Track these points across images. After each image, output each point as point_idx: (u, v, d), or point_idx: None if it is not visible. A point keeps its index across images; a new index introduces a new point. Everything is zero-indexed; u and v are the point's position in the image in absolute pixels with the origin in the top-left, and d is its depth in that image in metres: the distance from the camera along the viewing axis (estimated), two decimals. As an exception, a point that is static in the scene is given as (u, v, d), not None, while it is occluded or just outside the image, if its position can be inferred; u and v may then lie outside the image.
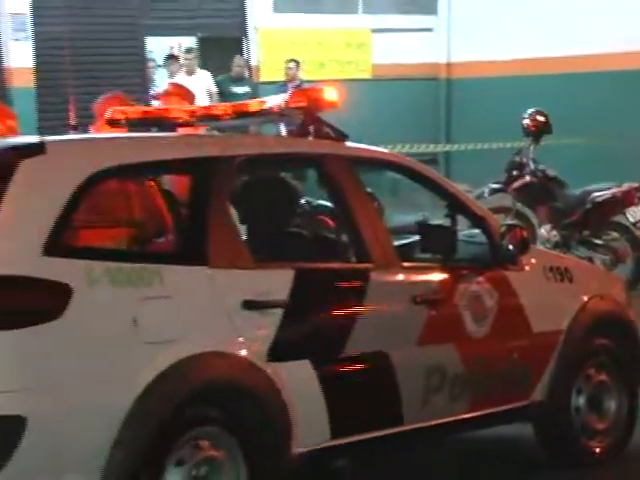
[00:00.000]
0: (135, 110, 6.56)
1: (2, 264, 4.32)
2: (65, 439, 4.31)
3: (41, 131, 13.03)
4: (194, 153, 5.19)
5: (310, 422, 5.01)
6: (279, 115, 5.98)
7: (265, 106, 5.91)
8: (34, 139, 4.85)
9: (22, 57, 15.12)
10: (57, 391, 4.31)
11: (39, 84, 15.06)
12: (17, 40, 15.13)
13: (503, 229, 6.03)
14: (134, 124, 6.25)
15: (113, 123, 6.25)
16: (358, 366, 5.27)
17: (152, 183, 5.74)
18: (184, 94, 7.73)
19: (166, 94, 7.63)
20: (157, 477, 4.53)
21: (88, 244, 4.92)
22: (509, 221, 8.62)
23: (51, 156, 4.64)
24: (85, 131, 7.09)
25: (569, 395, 6.17)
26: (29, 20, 15.18)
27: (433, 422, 5.57)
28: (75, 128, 6.36)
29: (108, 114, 6.37)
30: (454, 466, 6.27)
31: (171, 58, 16.59)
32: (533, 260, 6.15)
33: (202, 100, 15.02)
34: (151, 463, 4.50)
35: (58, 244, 4.45)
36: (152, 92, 7.40)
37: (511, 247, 5.95)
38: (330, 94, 5.71)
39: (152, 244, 5.33)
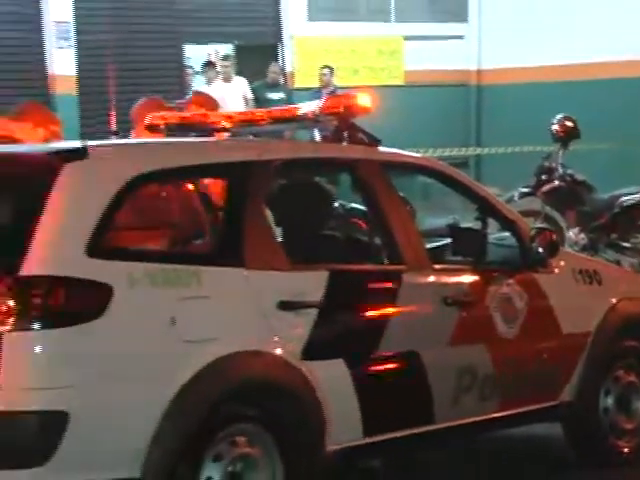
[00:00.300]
0: (174, 116, 6.58)
1: (47, 265, 4.34)
2: (106, 435, 4.33)
3: (83, 136, 13.10)
4: (231, 157, 5.20)
5: (343, 420, 5.01)
6: (314, 121, 5.98)
7: (300, 112, 5.91)
8: (77, 144, 4.87)
9: (65, 65, 15.19)
10: (98, 388, 4.32)
11: (81, 91, 15.13)
12: (61, 48, 15.19)
13: (533, 232, 6.00)
14: (173, 129, 6.28)
15: (152, 128, 6.27)
16: (390, 365, 5.27)
17: (190, 186, 5.75)
18: (206, 102, 7.72)
19: (189, 103, 7.64)
20: (195, 472, 4.54)
21: (129, 246, 4.93)
22: (538, 224, 8.56)
23: (93, 160, 4.66)
24: (126, 136, 7.11)
25: (597, 396, 6.12)
26: (72, 28, 15.24)
27: (463, 421, 5.55)
28: (116, 133, 6.39)
29: (148, 120, 6.39)
30: (485, 465, 6.24)
31: (208, 65, 16.63)
32: (562, 263, 6.12)
33: (238, 106, 15.09)
34: (189, 459, 4.51)
35: (100, 246, 4.47)
36: (176, 102, 7.42)
37: (541, 250, 5.92)
38: (364, 100, 5.70)
39: (190, 246, 5.35)
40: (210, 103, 7.56)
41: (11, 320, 4.25)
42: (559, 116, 11.71)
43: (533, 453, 6.44)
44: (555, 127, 11.63)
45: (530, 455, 6.40)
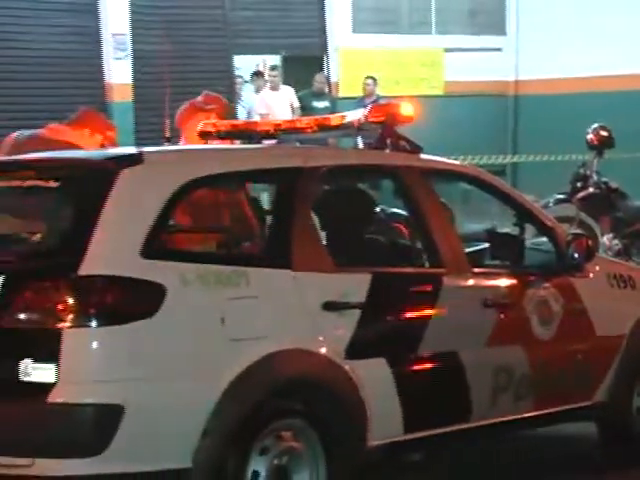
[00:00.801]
0: (224, 123, 6.59)
1: (104, 265, 4.36)
2: (158, 427, 4.34)
3: (138, 142, 13.20)
4: (279, 164, 5.20)
5: (384, 417, 4.99)
6: (358, 129, 5.97)
7: (345, 120, 5.90)
8: (133, 150, 4.89)
9: (122, 74, 15.28)
10: (152, 383, 4.34)
11: (137, 99, 15.22)
12: (118, 59, 15.29)
13: (569, 238, 5.96)
14: (223, 136, 6.29)
15: (204, 135, 6.29)
16: (430, 365, 5.25)
17: (240, 191, 5.76)
18: (214, 101, 7.67)
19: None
20: (242, 465, 4.53)
21: (181, 247, 4.95)
22: (573, 230, 8.52)
23: (148, 166, 4.69)
24: (178, 142, 7.12)
25: (631, 396, 6.07)
26: (129, 40, 15.34)
27: (500, 419, 5.52)
28: (169, 140, 6.40)
29: (200, 127, 6.40)
30: (521, 463, 6.18)
31: (257, 75, 16.71)
32: (597, 267, 6.07)
33: (285, 114, 15.11)
34: (237, 451, 4.50)
35: (154, 247, 4.48)
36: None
37: (577, 255, 5.88)
38: (407, 109, 5.69)
39: (240, 248, 5.35)
40: (219, 103, 7.52)
41: (70, 317, 4.26)
42: (594, 125, 11.65)
43: (567, 452, 6.38)
44: (590, 136, 11.57)
45: (564, 454, 6.35)
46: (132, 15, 15.44)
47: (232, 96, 16.15)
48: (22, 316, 4.35)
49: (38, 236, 4.91)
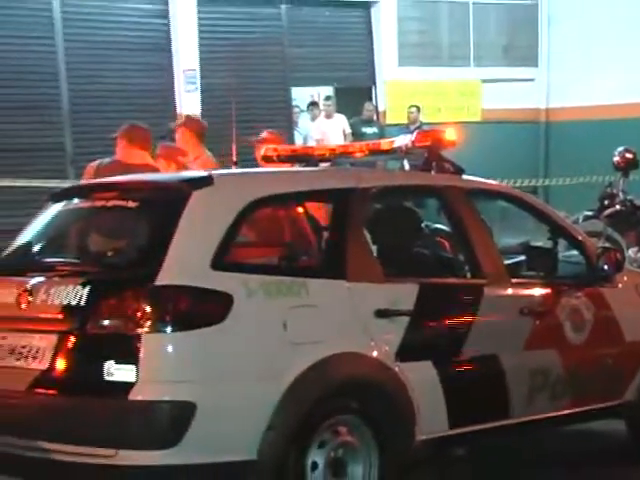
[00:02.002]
0: (285, 148, 6.60)
1: (178, 276, 4.38)
2: (226, 423, 4.34)
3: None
4: (335, 184, 5.20)
5: (431, 414, 4.94)
6: (405, 152, 5.94)
7: (394, 145, 5.88)
8: (203, 173, 4.91)
9: (192, 105, 15.35)
10: (220, 383, 4.34)
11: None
12: (188, 91, 15.40)
13: (599, 251, 5.90)
14: (284, 160, 6.30)
15: (267, 159, 6.30)
16: (472, 367, 5.19)
17: (299, 209, 5.75)
18: (276, 140, 7.72)
19: (261, 140, 7.66)
20: (302, 456, 4.52)
21: (247, 260, 4.93)
22: (601, 244, 8.41)
23: (217, 187, 4.70)
24: (245, 166, 7.12)
25: None
26: (198, 75, 15.43)
27: (536, 417, 5.45)
28: (236, 164, 6.41)
29: (262, 152, 6.42)
30: (556, 458, 6.10)
31: (313, 104, 16.75)
32: (625, 278, 5.98)
33: (338, 139, 15.13)
34: (297, 444, 4.49)
35: (223, 260, 4.49)
36: (255, 138, 7.47)
37: (606, 267, 5.81)
38: (451, 135, 5.66)
39: (299, 261, 5.33)
40: (279, 140, 7.55)
41: (148, 323, 4.28)
42: (620, 149, 11.53)
43: (597, 448, 6.29)
44: (616, 158, 11.46)
45: (594, 449, 6.26)
46: (201, 52, 15.53)
47: (290, 124, 16.21)
48: (105, 322, 4.38)
49: (119, 250, 4.95)
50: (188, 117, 7.40)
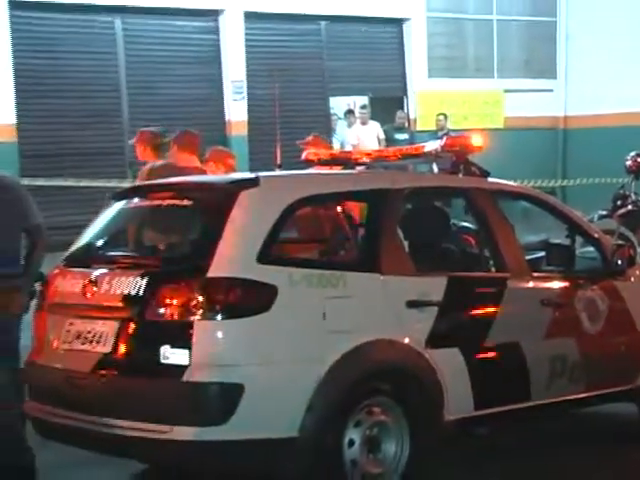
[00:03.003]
0: (325, 152, 6.58)
1: (227, 269, 4.38)
2: (271, 403, 4.33)
3: (252, 168, 13.28)
4: (371, 185, 5.16)
5: (458, 396, 4.91)
6: (435, 156, 5.91)
7: (425, 150, 5.86)
8: (250, 175, 4.90)
9: (239, 113, 15.40)
10: (266, 366, 4.33)
11: (251, 133, 15.32)
12: (235, 100, 15.43)
13: (614, 247, 5.80)
14: (324, 163, 6.28)
15: (308, 162, 6.29)
16: (496, 353, 5.14)
17: (338, 208, 5.74)
18: (319, 143, 7.69)
19: (307, 143, 7.64)
20: (340, 434, 4.50)
21: (290, 255, 4.93)
22: (614, 241, 8.31)
23: (263, 188, 4.68)
24: (289, 168, 7.12)
25: None
26: (245, 85, 15.46)
27: (555, 399, 5.39)
28: (280, 166, 6.41)
29: (304, 155, 6.40)
30: (574, 437, 6.05)
31: (349, 113, 16.70)
32: (637, 272, 5.89)
33: (373, 144, 15.08)
34: (335, 423, 4.48)
35: (268, 254, 4.47)
36: (298, 141, 7.48)
37: (620, 262, 5.73)
38: (477, 140, 5.62)
39: (337, 255, 5.32)
40: (323, 144, 7.52)
41: (200, 311, 4.29)
42: (632, 153, 11.37)
43: (609, 428, 6.21)
44: (628, 162, 11.29)
45: (607, 429, 6.18)
46: (247, 65, 15.56)
47: (328, 130, 16.19)
48: (162, 310, 4.38)
49: (175, 245, 4.96)
50: (142, 132, 7.31)
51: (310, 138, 7.75)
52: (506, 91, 18.23)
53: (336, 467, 4.49)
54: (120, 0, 14.26)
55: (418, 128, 17.14)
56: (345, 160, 6.19)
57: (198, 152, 7.25)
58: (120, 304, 4.50)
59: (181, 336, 4.28)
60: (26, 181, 12.08)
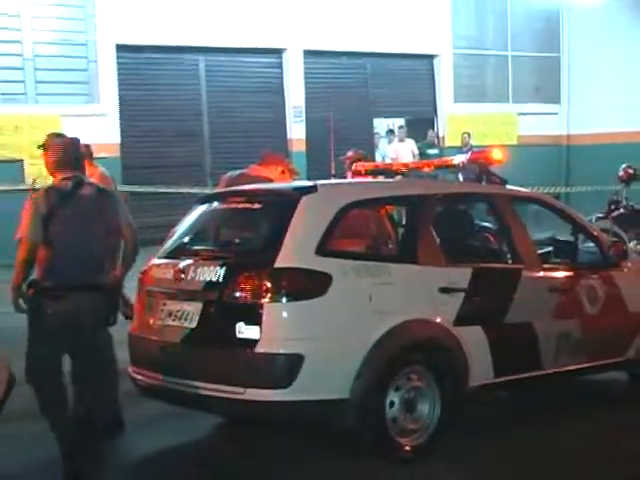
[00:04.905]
0: (370, 165, 6.54)
1: (291, 260, 4.37)
2: (327, 370, 4.33)
3: (310, 178, 13.26)
4: (409, 192, 5.13)
5: (480, 366, 4.86)
6: (461, 168, 5.85)
7: (454, 162, 5.80)
8: (310, 183, 4.89)
9: (298, 132, 15.40)
10: (322, 340, 4.32)
11: (309, 149, 15.30)
12: (296, 122, 15.44)
13: (609, 243, 5.73)
14: (370, 173, 6.24)
15: (357, 173, 6.25)
16: (512, 331, 5.07)
17: (382, 210, 5.70)
18: (358, 158, 7.57)
19: (347, 158, 7.55)
20: (382, 397, 4.49)
21: (343, 248, 4.89)
22: (609, 238, 8.16)
23: (320, 193, 4.67)
24: (341, 178, 7.07)
25: None
26: (303, 109, 15.47)
27: (562, 369, 5.32)
28: (334, 176, 6.38)
29: (353, 167, 6.37)
30: (571, 402, 5.93)
31: (389, 132, 16.61)
32: (629, 264, 5.79)
33: (408, 158, 14.97)
34: (379, 388, 4.46)
35: (324, 248, 4.46)
36: (341, 157, 7.44)
37: (615, 256, 5.64)
38: (498, 154, 5.57)
39: (382, 249, 5.29)
40: (361, 158, 7.40)
41: (268, 295, 4.29)
42: (623, 165, 11.21)
43: (604, 393, 6.07)
44: (620, 173, 11.13)
45: (601, 393, 6.04)
46: (306, 93, 15.55)
47: (372, 147, 16.13)
48: (237, 294, 4.39)
49: (247, 241, 4.96)
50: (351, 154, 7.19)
51: (350, 153, 7.67)
52: (519, 114, 18.02)
53: (379, 423, 4.47)
54: (203, 42, 14.38)
55: (446, 144, 16.99)
56: (387, 171, 6.14)
57: (269, 166, 7.15)
58: (203, 289, 4.51)
59: (253, 315, 4.29)
60: (126, 188, 12.25)
